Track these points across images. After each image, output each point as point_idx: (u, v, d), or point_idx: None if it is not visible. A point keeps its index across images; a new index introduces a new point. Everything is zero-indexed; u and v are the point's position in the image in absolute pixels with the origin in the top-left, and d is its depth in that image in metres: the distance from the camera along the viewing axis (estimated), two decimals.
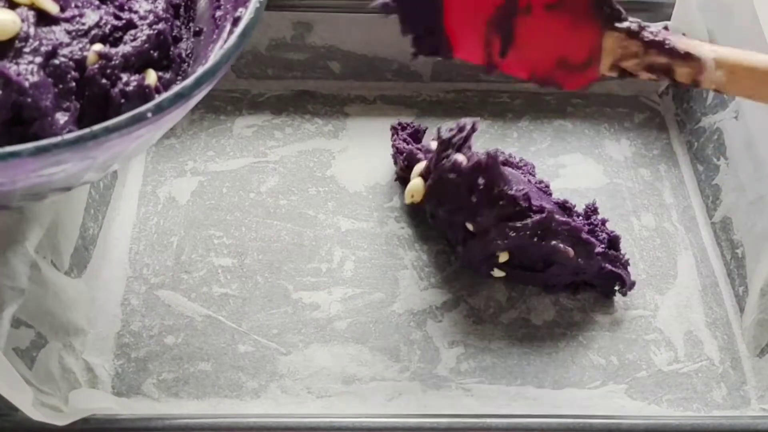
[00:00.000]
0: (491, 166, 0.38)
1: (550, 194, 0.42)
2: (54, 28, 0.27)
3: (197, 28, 0.32)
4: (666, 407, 0.37)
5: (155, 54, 0.30)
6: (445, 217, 0.40)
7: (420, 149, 0.44)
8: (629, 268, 0.41)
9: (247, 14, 0.27)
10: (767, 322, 0.38)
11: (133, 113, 0.23)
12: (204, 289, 0.41)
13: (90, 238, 0.41)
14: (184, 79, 0.30)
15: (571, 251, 0.39)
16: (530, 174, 0.43)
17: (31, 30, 0.26)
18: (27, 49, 0.26)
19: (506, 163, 0.43)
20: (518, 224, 0.38)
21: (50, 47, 0.27)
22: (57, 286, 0.36)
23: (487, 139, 0.49)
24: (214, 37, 0.31)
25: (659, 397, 0.37)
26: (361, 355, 0.39)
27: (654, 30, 0.24)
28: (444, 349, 0.39)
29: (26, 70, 0.25)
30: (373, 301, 0.41)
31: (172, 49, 0.31)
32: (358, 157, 0.47)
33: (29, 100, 0.25)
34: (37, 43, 0.26)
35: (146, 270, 0.41)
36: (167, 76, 0.30)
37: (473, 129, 0.40)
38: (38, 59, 0.26)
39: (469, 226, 0.39)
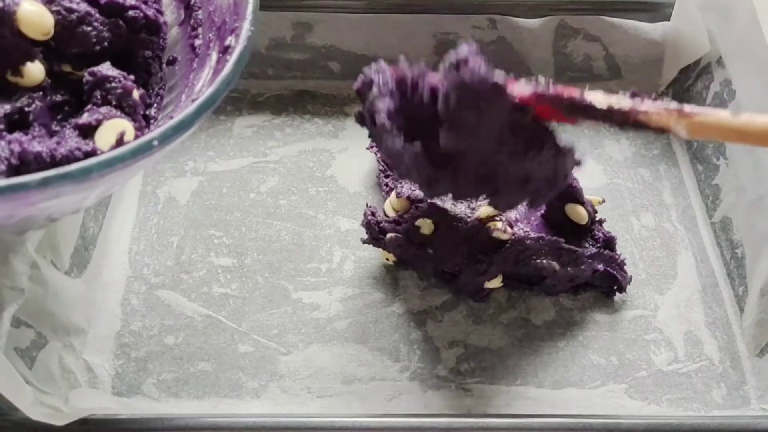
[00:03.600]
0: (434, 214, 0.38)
1: None
2: None
3: (170, 57, 0.33)
4: (666, 407, 0.37)
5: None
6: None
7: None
8: (626, 267, 0.41)
9: (240, 43, 0.28)
10: (767, 322, 0.38)
11: (138, 143, 0.22)
12: (204, 289, 0.41)
13: (90, 238, 0.41)
14: (159, 109, 0.31)
15: (555, 265, 0.38)
16: None
17: None
18: None
19: None
20: (493, 256, 0.38)
21: None
22: (57, 286, 0.36)
23: None
24: (195, 66, 0.31)
25: (659, 397, 0.37)
26: (361, 355, 0.39)
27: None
28: (444, 349, 0.39)
29: None
30: (373, 301, 0.41)
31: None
32: (358, 157, 0.47)
33: None
34: None
35: (146, 270, 0.41)
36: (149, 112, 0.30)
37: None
38: None
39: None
